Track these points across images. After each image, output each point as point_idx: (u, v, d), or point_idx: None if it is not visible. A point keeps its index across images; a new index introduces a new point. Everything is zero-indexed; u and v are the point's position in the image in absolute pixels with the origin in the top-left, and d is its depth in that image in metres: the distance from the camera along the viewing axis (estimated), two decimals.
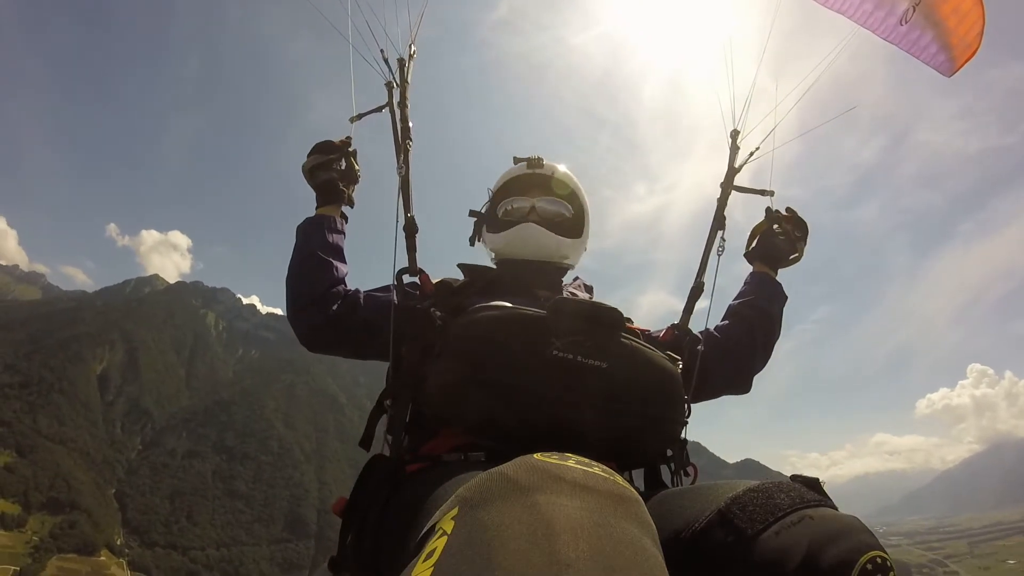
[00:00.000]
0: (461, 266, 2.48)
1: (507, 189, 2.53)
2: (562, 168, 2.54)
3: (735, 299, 2.66)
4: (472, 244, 2.64)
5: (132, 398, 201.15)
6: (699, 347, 2.31)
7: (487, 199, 2.60)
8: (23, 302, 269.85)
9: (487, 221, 2.56)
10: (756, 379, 2.58)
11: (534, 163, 2.50)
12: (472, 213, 2.65)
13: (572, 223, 2.52)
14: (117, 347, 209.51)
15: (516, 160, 2.53)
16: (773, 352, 2.61)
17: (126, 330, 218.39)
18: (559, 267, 2.50)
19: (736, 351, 2.49)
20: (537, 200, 2.47)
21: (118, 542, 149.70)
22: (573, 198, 2.54)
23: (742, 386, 2.57)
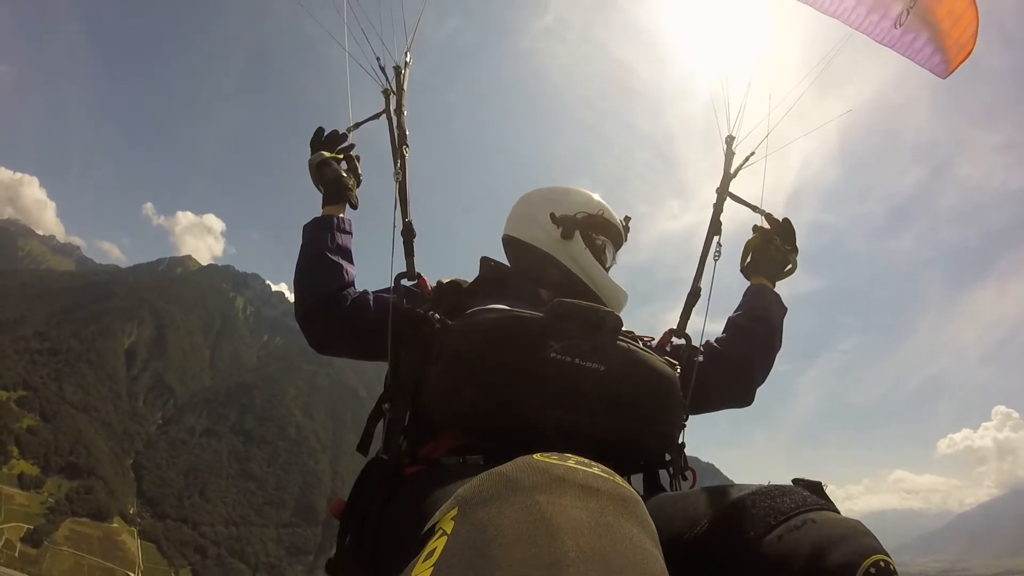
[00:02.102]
0: (484, 259, 2.50)
1: (604, 228, 2.51)
2: None
3: (734, 312, 2.66)
4: (563, 237, 2.42)
5: (157, 374, 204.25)
6: (697, 358, 2.32)
7: (581, 209, 2.48)
8: (57, 273, 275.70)
9: (583, 232, 2.44)
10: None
11: (627, 230, 2.61)
12: (562, 218, 2.44)
13: None
14: (146, 323, 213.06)
15: (609, 211, 2.53)
16: (774, 364, 2.62)
17: (156, 307, 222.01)
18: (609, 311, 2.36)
19: (737, 363, 2.49)
20: (612, 258, 2.57)
21: (131, 511, 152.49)
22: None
23: (743, 399, 2.57)
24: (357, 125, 2.63)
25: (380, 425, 1.98)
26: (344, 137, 2.57)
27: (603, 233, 2.51)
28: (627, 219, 2.60)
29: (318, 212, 2.49)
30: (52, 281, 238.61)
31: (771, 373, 2.61)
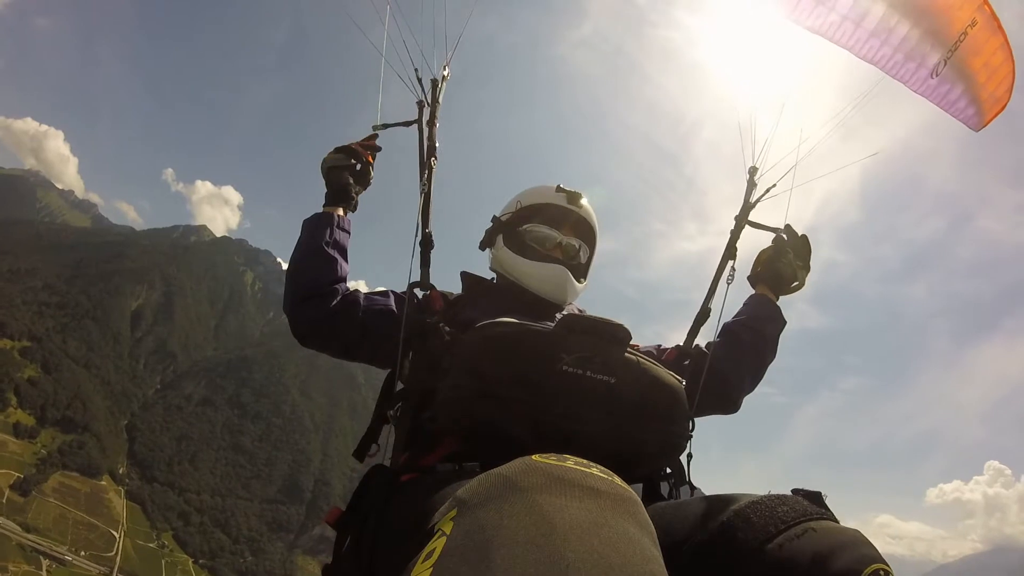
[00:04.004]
0: (464, 274, 2.55)
1: (538, 212, 2.52)
2: (592, 210, 2.57)
3: (732, 319, 2.69)
4: (482, 249, 2.60)
5: (160, 338, 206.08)
6: (686, 361, 2.40)
7: (508, 208, 2.57)
8: (73, 228, 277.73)
9: (505, 233, 2.53)
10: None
11: (574, 199, 2.51)
12: (494, 219, 2.61)
13: (584, 267, 2.58)
14: (155, 288, 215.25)
15: (559, 189, 2.52)
16: (765, 375, 2.64)
17: (167, 273, 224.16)
18: (560, 308, 2.46)
19: (727, 371, 2.49)
20: (565, 238, 2.50)
21: (120, 471, 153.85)
22: (592, 242, 2.60)
23: (730, 406, 2.57)
24: (386, 126, 2.66)
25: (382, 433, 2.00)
26: (361, 155, 2.58)
27: (530, 219, 2.51)
28: (559, 188, 2.54)
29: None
30: (67, 235, 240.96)
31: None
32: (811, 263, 2.78)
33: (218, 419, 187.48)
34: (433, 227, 2.42)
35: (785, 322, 2.68)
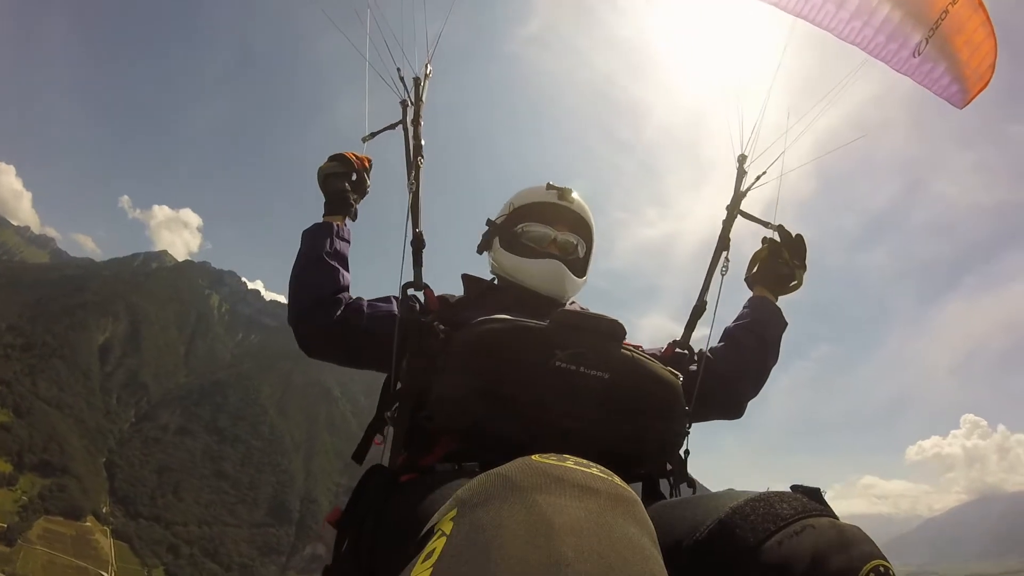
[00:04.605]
0: (465, 277, 2.52)
1: (531, 211, 2.47)
2: (586, 204, 2.52)
3: (733, 322, 2.66)
4: (480, 253, 2.59)
5: (131, 370, 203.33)
6: (691, 367, 2.34)
7: (503, 212, 2.54)
8: (31, 264, 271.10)
9: (501, 235, 2.49)
10: (752, 408, 2.57)
11: (565, 195, 2.46)
12: (488, 222, 2.57)
13: (582, 262, 2.52)
14: (121, 319, 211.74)
15: (549, 187, 2.47)
16: (768, 378, 2.61)
17: (131, 303, 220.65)
18: (560, 304, 2.42)
19: (730, 375, 2.47)
20: (560, 234, 2.44)
21: (104, 510, 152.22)
22: (588, 237, 2.54)
23: (734, 411, 2.56)
24: (373, 135, 2.63)
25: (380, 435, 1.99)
26: (356, 165, 2.56)
27: (524, 219, 2.46)
28: (549, 185, 2.48)
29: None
30: (26, 273, 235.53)
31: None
32: (807, 262, 2.74)
33: (197, 447, 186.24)
34: (424, 226, 2.37)
35: (786, 323, 2.66)
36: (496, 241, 2.49)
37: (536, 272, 2.36)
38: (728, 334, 2.62)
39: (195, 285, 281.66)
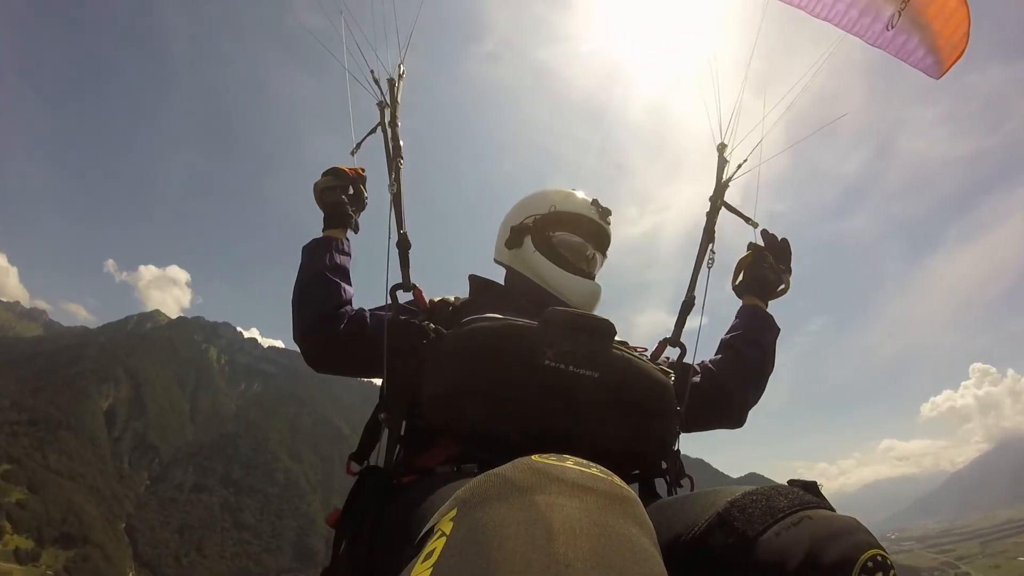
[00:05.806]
0: (472, 277, 2.51)
1: (572, 220, 2.46)
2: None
3: (727, 333, 2.66)
4: (510, 248, 2.49)
5: (138, 433, 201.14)
6: (694, 378, 2.34)
7: (536, 206, 2.50)
8: (26, 339, 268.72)
9: (535, 236, 2.45)
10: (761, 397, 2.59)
11: (605, 214, 2.49)
12: (521, 222, 2.49)
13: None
14: (122, 383, 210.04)
15: (594, 203, 2.49)
16: (767, 385, 2.60)
17: (130, 366, 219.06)
18: None
19: (729, 386, 2.48)
20: (594, 251, 2.49)
21: (130, 575, 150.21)
22: (605, 256, 2.59)
23: (736, 420, 2.56)
24: (358, 145, 2.61)
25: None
26: (351, 176, 2.56)
27: (561, 228, 2.44)
28: (594, 202, 2.49)
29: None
30: (22, 348, 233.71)
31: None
32: (792, 265, 2.74)
33: (214, 502, 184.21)
34: (408, 227, 2.31)
35: (779, 329, 2.65)
36: (528, 239, 2.45)
37: (578, 290, 2.39)
38: (725, 345, 2.62)
39: (191, 341, 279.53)
